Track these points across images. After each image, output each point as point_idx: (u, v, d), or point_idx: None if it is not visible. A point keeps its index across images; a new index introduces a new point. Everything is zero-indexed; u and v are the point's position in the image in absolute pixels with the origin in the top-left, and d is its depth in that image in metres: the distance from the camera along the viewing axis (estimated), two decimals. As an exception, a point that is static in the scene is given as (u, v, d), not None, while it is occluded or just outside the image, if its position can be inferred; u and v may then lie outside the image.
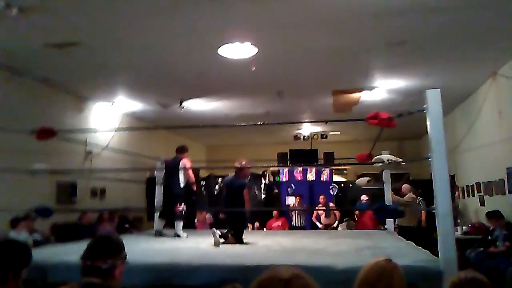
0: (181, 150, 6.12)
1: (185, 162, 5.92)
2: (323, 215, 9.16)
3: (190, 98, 8.52)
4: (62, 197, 7.59)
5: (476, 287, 1.79)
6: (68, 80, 7.36)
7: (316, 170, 10.45)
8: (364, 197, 8.95)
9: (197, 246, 4.73)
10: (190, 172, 5.93)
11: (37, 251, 4.50)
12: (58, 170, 6.37)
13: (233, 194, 5.24)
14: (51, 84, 7.37)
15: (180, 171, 5.86)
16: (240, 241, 4.98)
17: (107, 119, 9.14)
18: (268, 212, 9.73)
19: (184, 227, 5.94)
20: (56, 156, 7.07)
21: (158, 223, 6.25)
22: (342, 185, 10.63)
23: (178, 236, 5.77)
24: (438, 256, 3.17)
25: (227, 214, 5.48)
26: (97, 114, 8.82)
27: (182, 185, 5.90)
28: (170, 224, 6.10)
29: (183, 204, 5.86)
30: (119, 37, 5.46)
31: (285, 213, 9.52)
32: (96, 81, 7.51)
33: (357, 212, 9.42)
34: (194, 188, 6.02)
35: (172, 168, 5.99)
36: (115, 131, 9.06)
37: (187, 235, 5.77)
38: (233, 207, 5.17)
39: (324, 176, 10.49)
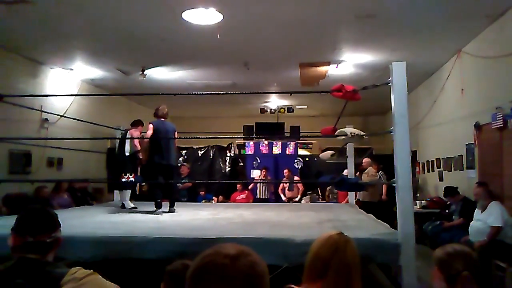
0: (133, 123, 6.24)
1: (132, 132, 6.04)
2: (287, 188, 9.19)
3: (152, 66, 8.18)
4: (16, 167, 7.20)
5: (465, 260, 1.76)
6: (19, 42, 6.84)
7: (281, 143, 10.42)
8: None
9: (156, 218, 4.60)
10: (136, 141, 5.94)
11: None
12: (9, 137, 5.98)
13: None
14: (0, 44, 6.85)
15: (126, 141, 5.95)
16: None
17: (65, 86, 8.66)
18: (232, 185, 9.68)
19: (145, 198, 5.83)
20: (8, 123, 6.65)
21: (118, 195, 6.13)
22: (307, 159, 10.66)
23: (123, 207, 5.71)
24: (397, 229, 3.18)
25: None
26: (53, 80, 8.33)
27: (127, 153, 5.91)
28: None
29: (129, 173, 5.80)
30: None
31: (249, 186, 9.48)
32: (51, 45, 7.02)
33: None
34: (140, 155, 5.91)
35: (121, 140, 6.12)
36: (66, 95, 8.57)
37: (133, 206, 5.69)
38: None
39: (290, 150, 10.49)
